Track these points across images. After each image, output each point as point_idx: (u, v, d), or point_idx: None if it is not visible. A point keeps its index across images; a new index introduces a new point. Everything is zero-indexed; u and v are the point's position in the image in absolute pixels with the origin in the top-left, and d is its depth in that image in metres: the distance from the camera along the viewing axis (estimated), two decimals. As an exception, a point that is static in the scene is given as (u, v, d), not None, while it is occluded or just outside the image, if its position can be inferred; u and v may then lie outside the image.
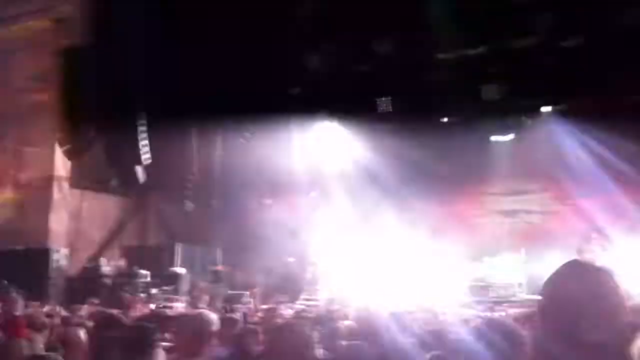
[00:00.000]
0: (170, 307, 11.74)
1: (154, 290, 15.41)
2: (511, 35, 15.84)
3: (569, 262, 1.82)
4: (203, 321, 4.07)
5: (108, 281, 15.34)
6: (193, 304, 12.63)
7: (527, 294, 16.17)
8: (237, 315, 7.83)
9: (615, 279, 1.79)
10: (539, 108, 17.66)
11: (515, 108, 17.74)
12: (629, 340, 1.91)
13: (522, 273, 17.09)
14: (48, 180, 15.39)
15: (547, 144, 18.13)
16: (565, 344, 1.64)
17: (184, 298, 14.43)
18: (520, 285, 16.83)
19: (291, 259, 18.73)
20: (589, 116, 16.84)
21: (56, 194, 15.45)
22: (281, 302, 16.43)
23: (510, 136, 18.72)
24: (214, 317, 4.31)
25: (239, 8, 12.26)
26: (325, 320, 7.25)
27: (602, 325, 1.59)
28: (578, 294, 1.66)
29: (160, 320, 5.57)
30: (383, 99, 16.37)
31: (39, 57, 15.56)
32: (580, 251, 15.04)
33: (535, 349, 1.97)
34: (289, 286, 18.25)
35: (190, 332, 3.97)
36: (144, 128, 14.20)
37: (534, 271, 16.74)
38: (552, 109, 17.63)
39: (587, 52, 14.83)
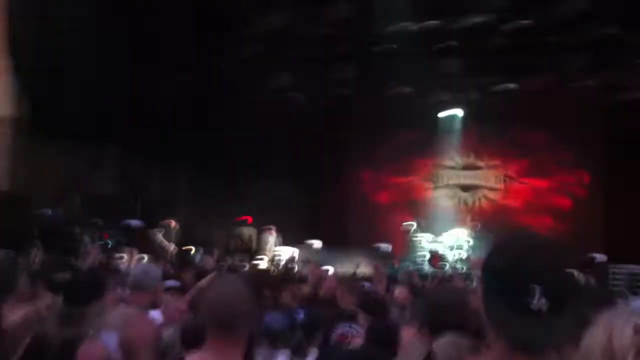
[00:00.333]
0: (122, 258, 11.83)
1: (109, 241, 15.40)
2: (465, 12, 16.28)
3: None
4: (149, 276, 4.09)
5: (65, 228, 15.24)
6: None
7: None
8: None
9: None
10: (491, 86, 18.11)
11: (468, 84, 18.21)
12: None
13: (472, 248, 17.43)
14: (5, 122, 15.04)
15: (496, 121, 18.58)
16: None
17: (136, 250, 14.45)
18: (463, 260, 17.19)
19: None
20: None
21: (14, 137, 15.12)
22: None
23: (460, 111, 19.11)
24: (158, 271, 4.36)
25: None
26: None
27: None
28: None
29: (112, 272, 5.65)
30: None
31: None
32: None
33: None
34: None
35: (138, 286, 4.00)
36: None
37: (485, 246, 17.20)
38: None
39: (537, 33, 15.43)
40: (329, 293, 6.83)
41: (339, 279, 8.17)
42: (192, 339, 3.39)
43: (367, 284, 7.78)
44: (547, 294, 1.53)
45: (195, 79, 18.21)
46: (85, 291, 3.23)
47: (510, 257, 1.62)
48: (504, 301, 1.57)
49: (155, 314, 4.43)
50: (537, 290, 1.52)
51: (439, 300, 2.51)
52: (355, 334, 4.04)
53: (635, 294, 12.33)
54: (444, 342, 2.37)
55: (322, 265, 11.27)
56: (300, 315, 3.87)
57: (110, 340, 3.07)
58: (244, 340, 2.24)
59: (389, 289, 7.77)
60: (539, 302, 1.52)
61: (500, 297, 1.58)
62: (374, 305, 4.73)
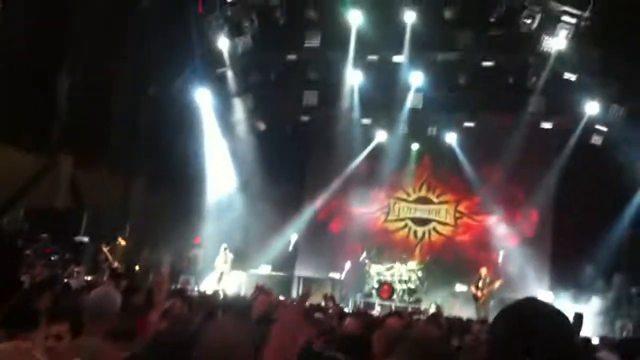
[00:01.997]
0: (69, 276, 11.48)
1: (54, 257, 14.96)
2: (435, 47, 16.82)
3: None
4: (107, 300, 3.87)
5: (8, 241, 14.71)
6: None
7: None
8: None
9: None
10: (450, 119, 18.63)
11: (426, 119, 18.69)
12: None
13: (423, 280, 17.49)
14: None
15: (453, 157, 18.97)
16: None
17: (82, 267, 14.11)
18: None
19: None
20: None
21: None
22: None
23: (416, 145, 19.52)
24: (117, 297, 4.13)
25: None
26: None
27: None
28: None
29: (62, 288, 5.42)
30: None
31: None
32: None
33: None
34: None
35: (95, 310, 3.77)
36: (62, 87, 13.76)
37: (434, 279, 17.38)
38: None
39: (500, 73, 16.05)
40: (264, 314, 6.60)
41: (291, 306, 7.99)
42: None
43: (317, 314, 7.67)
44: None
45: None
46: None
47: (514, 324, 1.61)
48: None
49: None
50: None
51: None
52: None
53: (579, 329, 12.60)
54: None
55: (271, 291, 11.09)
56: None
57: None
58: None
59: (340, 319, 7.71)
60: None
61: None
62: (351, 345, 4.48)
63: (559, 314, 1.64)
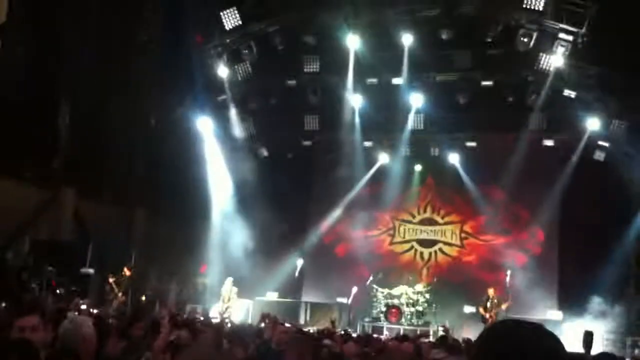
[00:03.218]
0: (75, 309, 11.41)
1: (59, 290, 14.92)
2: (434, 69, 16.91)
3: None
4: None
5: (13, 275, 14.71)
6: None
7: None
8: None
9: None
10: (452, 140, 18.66)
11: (433, 139, 18.71)
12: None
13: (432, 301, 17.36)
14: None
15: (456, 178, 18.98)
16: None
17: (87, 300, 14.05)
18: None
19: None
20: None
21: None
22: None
23: (420, 167, 19.52)
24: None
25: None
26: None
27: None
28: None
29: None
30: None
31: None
32: None
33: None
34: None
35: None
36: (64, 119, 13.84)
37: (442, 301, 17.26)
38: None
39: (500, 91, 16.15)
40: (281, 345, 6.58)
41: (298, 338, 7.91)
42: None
43: (326, 341, 7.61)
44: None
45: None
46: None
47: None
48: None
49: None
50: None
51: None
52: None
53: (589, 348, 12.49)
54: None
55: (277, 318, 11.02)
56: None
57: None
58: None
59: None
60: None
61: None
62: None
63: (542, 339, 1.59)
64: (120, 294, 16.28)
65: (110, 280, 16.22)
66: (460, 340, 11.47)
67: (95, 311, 13.13)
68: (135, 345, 5.64)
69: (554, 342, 1.56)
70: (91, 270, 16.14)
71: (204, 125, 18.81)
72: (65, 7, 16.19)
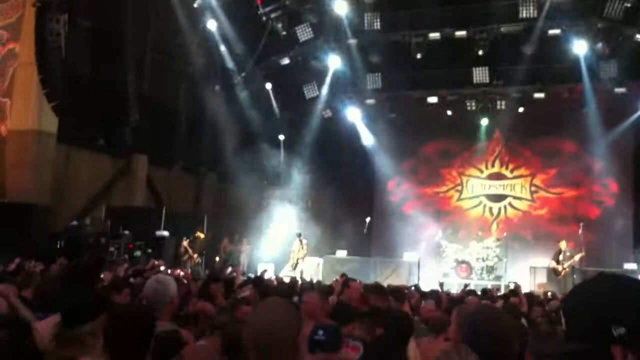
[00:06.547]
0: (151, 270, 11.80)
1: (137, 252, 15.47)
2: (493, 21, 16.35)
3: None
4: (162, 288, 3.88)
5: (92, 240, 15.30)
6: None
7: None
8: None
9: None
10: (519, 93, 18.04)
11: (499, 92, 18.18)
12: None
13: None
14: (31, 135, 15.11)
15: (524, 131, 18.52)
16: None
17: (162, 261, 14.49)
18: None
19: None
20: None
21: (40, 149, 15.17)
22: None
23: (486, 120, 19.06)
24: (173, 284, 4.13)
25: None
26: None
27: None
28: None
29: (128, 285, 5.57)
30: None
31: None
32: None
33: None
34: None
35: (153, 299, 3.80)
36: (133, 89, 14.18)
37: (513, 255, 17.04)
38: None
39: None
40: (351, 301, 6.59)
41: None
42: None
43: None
44: None
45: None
46: (83, 312, 3.05)
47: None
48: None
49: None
50: None
51: (481, 324, 2.42)
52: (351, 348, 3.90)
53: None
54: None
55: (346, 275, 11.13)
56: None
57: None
58: None
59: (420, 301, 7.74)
60: None
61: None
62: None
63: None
64: (195, 256, 16.80)
65: (184, 243, 16.73)
66: (542, 294, 11.36)
67: (177, 271, 13.51)
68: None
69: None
70: (166, 233, 16.64)
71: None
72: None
